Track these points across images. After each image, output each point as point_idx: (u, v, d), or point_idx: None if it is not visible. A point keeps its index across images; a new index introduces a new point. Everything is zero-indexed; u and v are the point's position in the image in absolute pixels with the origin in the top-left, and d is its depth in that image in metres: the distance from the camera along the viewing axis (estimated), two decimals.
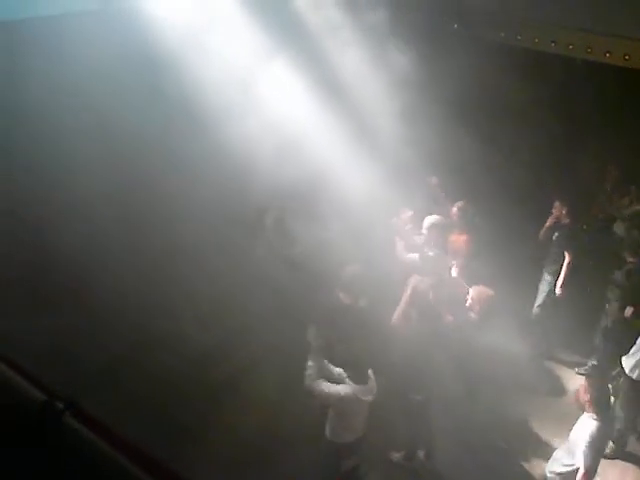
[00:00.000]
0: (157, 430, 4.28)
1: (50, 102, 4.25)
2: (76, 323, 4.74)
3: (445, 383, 4.77)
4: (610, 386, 4.93)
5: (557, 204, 6.33)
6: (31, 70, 4.40)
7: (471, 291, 5.09)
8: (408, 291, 4.98)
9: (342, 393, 4.18)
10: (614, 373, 5.72)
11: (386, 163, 6.01)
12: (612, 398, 5.09)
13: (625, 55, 6.63)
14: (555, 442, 5.22)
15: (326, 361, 4.36)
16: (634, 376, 5.24)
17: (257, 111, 5.66)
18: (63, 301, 4.77)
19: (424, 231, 5.78)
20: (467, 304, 5.04)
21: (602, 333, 6.07)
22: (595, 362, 6.16)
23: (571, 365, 6.49)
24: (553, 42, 7.05)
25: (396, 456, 5.35)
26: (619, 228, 6.77)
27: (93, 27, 4.71)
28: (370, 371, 4.34)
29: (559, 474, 4.36)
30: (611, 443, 5.40)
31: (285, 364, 5.05)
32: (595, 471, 4.20)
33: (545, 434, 5.62)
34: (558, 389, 6.23)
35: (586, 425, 4.18)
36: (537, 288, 6.60)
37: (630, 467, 5.44)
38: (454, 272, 5.56)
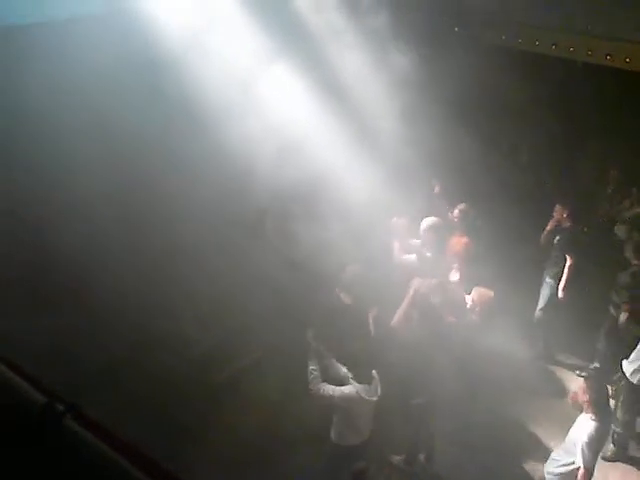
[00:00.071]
0: (157, 430, 4.29)
1: (50, 102, 4.25)
2: (76, 323, 4.74)
3: (446, 385, 4.77)
4: (610, 388, 4.94)
5: (558, 207, 6.32)
6: (33, 71, 4.40)
7: (472, 293, 5.09)
8: (410, 293, 4.99)
9: (346, 393, 4.19)
10: (615, 377, 5.71)
11: (386, 163, 6.01)
12: (612, 401, 5.11)
13: (626, 58, 6.64)
14: (555, 443, 5.22)
15: (334, 360, 4.38)
16: (635, 381, 5.24)
17: (257, 112, 5.65)
18: (63, 301, 4.77)
19: (421, 233, 5.78)
20: (468, 306, 5.05)
21: (605, 336, 6.06)
22: (597, 365, 6.16)
23: (572, 368, 6.47)
24: (554, 45, 7.07)
25: (397, 459, 5.34)
26: (620, 230, 6.76)
27: (94, 29, 4.72)
28: (374, 371, 4.35)
29: (557, 474, 4.37)
30: (612, 446, 5.41)
31: (285, 364, 5.05)
32: (593, 470, 4.22)
33: (545, 435, 5.60)
34: (559, 391, 6.22)
35: (584, 425, 4.20)
36: (538, 290, 6.58)
37: (632, 470, 5.42)
38: (455, 274, 5.56)
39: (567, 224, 6.28)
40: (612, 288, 5.94)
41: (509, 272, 5.81)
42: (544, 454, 4.96)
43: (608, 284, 6.06)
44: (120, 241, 4.91)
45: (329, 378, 4.31)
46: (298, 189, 5.62)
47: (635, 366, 5.26)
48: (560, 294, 6.26)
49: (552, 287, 6.37)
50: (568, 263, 6.19)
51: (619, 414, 5.40)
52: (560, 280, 6.25)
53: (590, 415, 4.19)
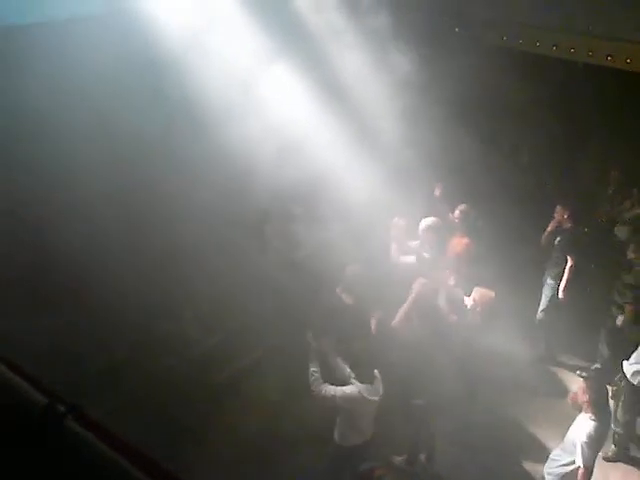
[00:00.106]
0: (158, 430, 4.28)
1: (50, 102, 4.24)
2: (76, 323, 4.74)
3: (446, 385, 4.76)
4: (611, 389, 4.93)
5: (559, 208, 6.31)
6: (33, 71, 4.40)
7: (473, 293, 5.09)
8: (413, 294, 4.98)
9: (348, 393, 4.19)
10: (616, 378, 5.70)
11: (386, 164, 6.01)
12: (613, 402, 5.10)
13: (627, 58, 6.63)
14: (555, 444, 5.21)
15: (336, 359, 4.37)
16: (635, 382, 5.24)
17: (257, 112, 5.65)
18: (63, 301, 4.76)
19: (420, 233, 5.78)
20: (469, 306, 5.04)
21: (606, 337, 6.06)
22: (599, 365, 6.15)
23: (573, 368, 6.43)
24: (555, 46, 7.06)
25: (398, 460, 5.34)
26: (620, 231, 6.76)
27: (94, 29, 4.71)
28: (376, 371, 4.35)
29: (557, 474, 4.37)
30: (613, 446, 5.41)
31: (286, 364, 5.05)
32: (593, 469, 4.23)
33: (545, 436, 5.60)
34: (559, 392, 6.21)
35: (584, 425, 4.21)
36: (538, 291, 6.57)
37: (633, 470, 5.42)
38: (454, 275, 5.56)
39: (568, 225, 6.27)
40: (613, 289, 5.94)
41: (510, 273, 5.81)
42: (544, 454, 4.96)
43: (609, 285, 6.06)
44: (120, 241, 4.90)
45: (331, 378, 4.30)
46: (298, 189, 5.62)
47: (636, 367, 5.25)
48: (560, 295, 6.25)
49: (553, 288, 6.36)
50: (569, 264, 6.19)
51: (620, 415, 5.40)
52: (561, 281, 6.25)
53: (589, 415, 4.19)
